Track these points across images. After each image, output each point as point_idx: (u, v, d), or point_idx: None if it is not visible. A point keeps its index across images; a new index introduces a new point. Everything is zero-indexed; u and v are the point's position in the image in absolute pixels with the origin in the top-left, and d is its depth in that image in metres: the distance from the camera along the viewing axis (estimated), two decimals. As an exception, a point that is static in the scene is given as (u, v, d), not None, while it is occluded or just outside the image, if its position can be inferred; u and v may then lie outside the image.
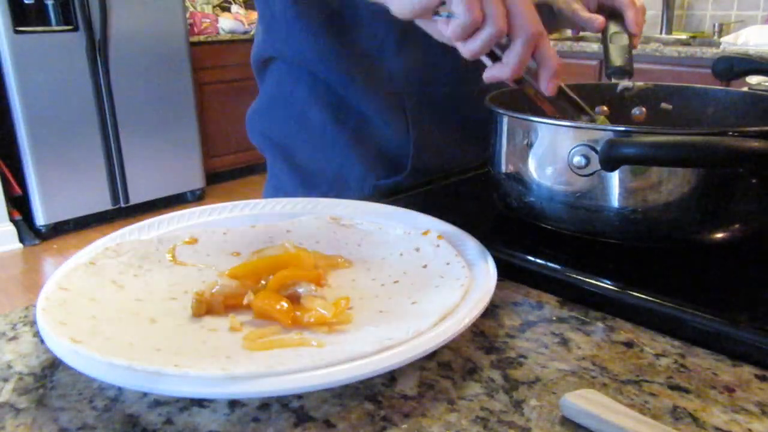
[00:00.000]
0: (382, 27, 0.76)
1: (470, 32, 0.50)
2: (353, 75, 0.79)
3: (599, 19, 0.76)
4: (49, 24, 2.97)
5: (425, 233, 0.55)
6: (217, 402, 0.38)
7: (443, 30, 0.51)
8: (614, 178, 0.52)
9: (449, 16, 0.49)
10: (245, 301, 0.45)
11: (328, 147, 0.82)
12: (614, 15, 0.77)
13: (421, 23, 0.54)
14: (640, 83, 0.74)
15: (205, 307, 0.45)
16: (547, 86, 0.53)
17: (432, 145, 0.82)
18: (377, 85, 0.79)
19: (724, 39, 2.44)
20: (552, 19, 0.80)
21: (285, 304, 0.44)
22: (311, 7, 0.77)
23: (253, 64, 0.87)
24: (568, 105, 0.57)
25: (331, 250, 0.55)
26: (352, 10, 0.76)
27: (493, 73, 0.53)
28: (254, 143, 0.89)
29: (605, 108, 0.74)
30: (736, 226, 0.53)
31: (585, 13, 0.77)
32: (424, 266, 0.51)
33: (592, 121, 0.57)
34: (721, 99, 0.70)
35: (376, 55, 0.78)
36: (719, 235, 0.54)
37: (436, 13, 0.50)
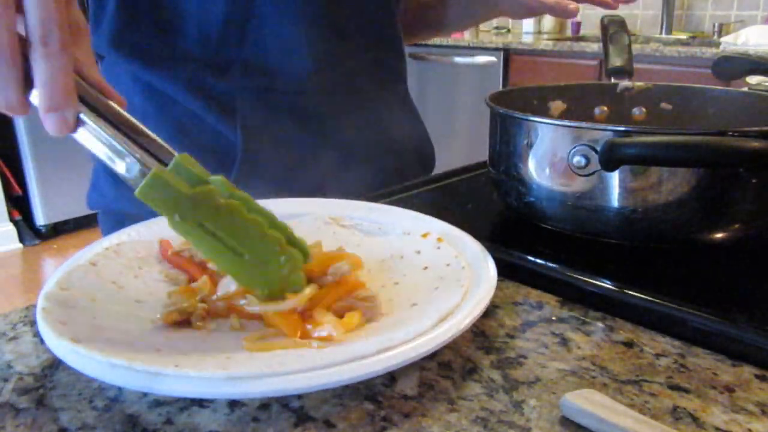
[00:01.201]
0: (213, 23, 0.69)
1: None
2: (177, 73, 0.72)
3: (570, 4, 0.72)
4: (49, 24, 2.96)
5: (425, 235, 0.54)
6: (217, 402, 0.38)
7: None
8: (614, 178, 0.52)
9: None
10: (248, 308, 0.45)
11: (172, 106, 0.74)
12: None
13: None
14: (640, 83, 0.74)
15: (178, 317, 0.44)
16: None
17: (264, 158, 0.74)
18: (205, 85, 0.73)
19: (724, 39, 2.44)
20: (509, 3, 0.76)
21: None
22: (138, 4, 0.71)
23: None
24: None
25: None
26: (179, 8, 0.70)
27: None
28: None
29: (605, 108, 0.74)
30: (736, 226, 0.53)
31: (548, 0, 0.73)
32: (425, 268, 0.51)
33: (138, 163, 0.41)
34: (721, 99, 0.70)
35: (201, 53, 0.72)
36: (719, 235, 0.54)
37: None
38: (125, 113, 0.40)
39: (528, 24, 3.38)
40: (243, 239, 0.41)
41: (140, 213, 0.70)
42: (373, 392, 0.39)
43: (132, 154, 0.40)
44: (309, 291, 0.44)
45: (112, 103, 0.40)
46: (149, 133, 0.41)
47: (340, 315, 0.44)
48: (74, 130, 0.39)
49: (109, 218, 0.79)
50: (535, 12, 0.78)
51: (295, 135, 0.75)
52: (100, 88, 0.41)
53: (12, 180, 3.11)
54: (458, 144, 3.11)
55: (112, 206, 0.77)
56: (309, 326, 0.43)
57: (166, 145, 0.41)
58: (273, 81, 0.73)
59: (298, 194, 0.64)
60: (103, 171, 0.79)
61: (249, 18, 0.68)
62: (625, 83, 0.74)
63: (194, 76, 0.72)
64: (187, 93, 0.73)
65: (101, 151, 0.40)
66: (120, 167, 0.40)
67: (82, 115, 0.39)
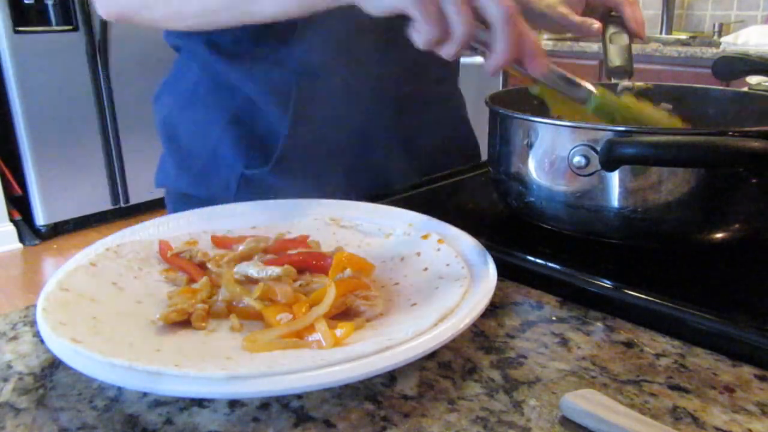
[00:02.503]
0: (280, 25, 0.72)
1: (439, 41, 0.49)
2: (241, 55, 0.76)
3: (595, 23, 0.74)
4: (49, 24, 2.97)
5: (425, 236, 0.54)
6: (217, 402, 0.38)
7: (414, 38, 0.50)
8: (614, 178, 0.52)
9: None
10: (245, 301, 0.45)
11: (209, 125, 0.79)
12: (609, 14, 0.76)
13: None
14: (640, 83, 0.74)
15: (178, 317, 0.44)
16: (533, 68, 0.52)
17: (307, 142, 0.77)
18: (264, 68, 0.76)
19: (724, 39, 2.44)
20: (534, 20, 0.78)
21: (290, 316, 0.43)
22: None
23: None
24: (560, 81, 0.57)
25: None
26: None
27: (489, 66, 0.52)
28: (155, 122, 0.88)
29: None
30: (736, 226, 0.53)
31: (575, 17, 0.75)
32: (425, 269, 0.51)
33: (589, 92, 0.58)
34: (721, 99, 0.70)
35: (266, 51, 0.75)
36: (719, 235, 0.54)
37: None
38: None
39: (528, 24, 3.38)
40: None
41: (196, 192, 0.79)
42: (373, 392, 0.39)
43: (582, 84, 0.58)
44: (332, 293, 0.45)
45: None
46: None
47: (336, 317, 0.44)
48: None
49: (171, 195, 0.87)
50: (563, 29, 0.78)
51: (338, 130, 0.78)
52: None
53: (12, 180, 3.10)
54: (458, 144, 3.10)
55: (174, 185, 0.85)
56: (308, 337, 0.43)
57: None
58: (328, 77, 0.75)
59: (328, 186, 0.68)
60: (168, 154, 0.84)
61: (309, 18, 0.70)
62: (625, 83, 0.74)
63: (255, 66, 0.76)
64: (248, 81, 0.76)
65: (560, 84, 0.57)
66: (575, 92, 0.57)
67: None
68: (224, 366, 0.36)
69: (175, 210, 0.74)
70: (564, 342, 0.44)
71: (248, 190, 0.77)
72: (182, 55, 0.85)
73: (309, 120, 0.76)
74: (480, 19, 0.50)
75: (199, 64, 0.80)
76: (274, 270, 0.48)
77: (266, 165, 0.76)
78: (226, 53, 0.77)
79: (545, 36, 3.18)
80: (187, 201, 0.80)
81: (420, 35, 0.49)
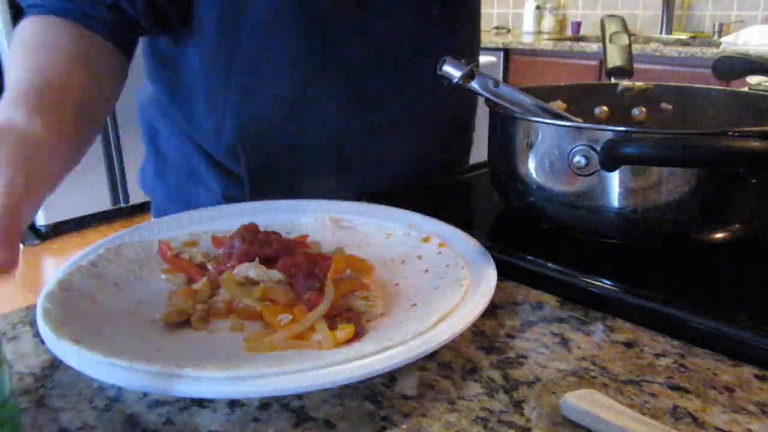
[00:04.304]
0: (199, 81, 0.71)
1: None
2: (184, 128, 0.75)
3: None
4: (49, 24, 2.97)
5: (426, 239, 0.54)
6: (217, 402, 0.38)
7: None
8: (614, 178, 0.52)
9: None
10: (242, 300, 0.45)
11: (187, 142, 0.76)
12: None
13: None
14: (640, 83, 0.74)
15: (178, 318, 0.44)
16: None
17: (277, 183, 0.74)
18: (209, 136, 0.73)
19: (724, 39, 2.45)
20: None
21: (290, 317, 0.43)
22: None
23: None
24: None
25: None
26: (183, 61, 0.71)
27: None
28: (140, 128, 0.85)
29: (605, 108, 0.74)
30: (736, 226, 0.53)
31: None
32: (425, 271, 0.51)
33: None
34: (721, 99, 0.70)
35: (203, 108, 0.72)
36: (719, 235, 0.54)
37: None
38: None
39: (528, 24, 3.39)
40: None
41: (172, 207, 0.75)
42: (373, 392, 0.39)
43: None
44: (331, 294, 0.45)
45: None
46: None
47: (335, 317, 0.44)
48: None
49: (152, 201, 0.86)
50: None
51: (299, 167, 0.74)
52: None
53: (12, 180, 3.11)
54: (458, 144, 3.10)
55: (152, 192, 0.84)
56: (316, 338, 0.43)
57: None
58: (269, 128, 0.71)
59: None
60: (148, 158, 0.84)
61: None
62: (625, 83, 0.74)
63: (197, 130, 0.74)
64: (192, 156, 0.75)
65: None
66: None
67: None
68: (224, 366, 0.36)
69: (158, 215, 0.73)
70: (564, 342, 0.44)
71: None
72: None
73: (263, 180, 0.73)
74: None
75: (174, 133, 0.78)
76: (275, 273, 0.48)
77: (245, 190, 0.73)
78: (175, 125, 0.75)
79: (545, 36, 3.18)
80: (164, 210, 0.78)
81: None
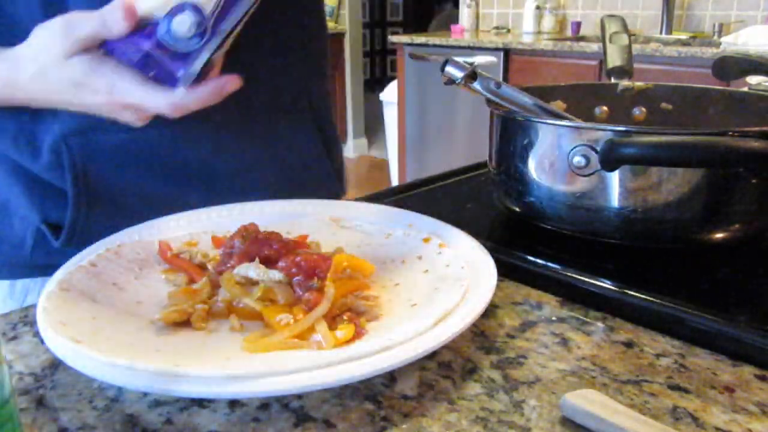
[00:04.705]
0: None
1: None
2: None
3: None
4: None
5: (427, 240, 0.54)
6: (217, 402, 0.38)
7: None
8: (614, 178, 0.52)
9: None
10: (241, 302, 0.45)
11: None
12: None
13: None
14: (640, 83, 0.74)
15: (178, 317, 0.44)
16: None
17: (103, 194, 0.64)
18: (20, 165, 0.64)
19: (724, 39, 2.44)
20: None
21: (290, 317, 0.43)
22: None
23: None
24: None
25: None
26: None
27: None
28: None
29: (605, 108, 0.74)
30: (736, 226, 0.53)
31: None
32: (425, 271, 0.51)
33: None
34: (721, 99, 0.70)
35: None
36: (719, 235, 0.54)
37: None
38: None
39: (528, 24, 3.38)
40: None
41: None
42: (373, 392, 0.39)
43: None
44: (331, 294, 0.45)
45: None
46: None
47: (335, 317, 0.44)
48: None
49: None
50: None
51: (137, 165, 0.65)
52: None
53: (12, 180, 3.11)
54: (458, 144, 3.11)
55: None
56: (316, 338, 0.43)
57: None
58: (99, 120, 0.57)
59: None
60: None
61: None
62: (625, 83, 0.74)
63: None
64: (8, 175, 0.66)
65: None
66: None
67: None
68: (224, 366, 0.36)
69: None
70: (564, 342, 0.44)
71: (46, 246, 0.65)
72: None
73: (95, 183, 0.64)
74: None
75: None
76: (275, 273, 0.48)
77: (67, 210, 0.63)
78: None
79: (545, 36, 3.19)
80: None
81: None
